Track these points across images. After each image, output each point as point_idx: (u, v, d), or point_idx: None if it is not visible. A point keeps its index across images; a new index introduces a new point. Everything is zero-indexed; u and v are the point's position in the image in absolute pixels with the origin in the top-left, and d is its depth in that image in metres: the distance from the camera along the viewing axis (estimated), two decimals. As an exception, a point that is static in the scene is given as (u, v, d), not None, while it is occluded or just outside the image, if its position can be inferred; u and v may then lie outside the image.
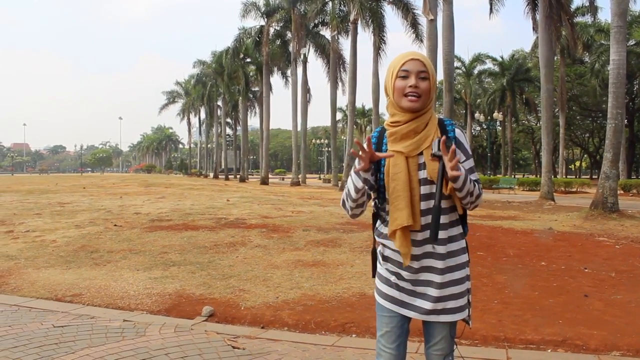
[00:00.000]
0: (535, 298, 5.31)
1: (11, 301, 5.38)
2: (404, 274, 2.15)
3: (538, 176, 46.70)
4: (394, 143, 2.13)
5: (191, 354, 3.88)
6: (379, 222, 2.27)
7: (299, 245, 8.26)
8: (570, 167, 75.87)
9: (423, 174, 2.10)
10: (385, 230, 2.20)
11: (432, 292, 2.11)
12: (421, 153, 2.10)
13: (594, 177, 52.85)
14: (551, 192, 21.28)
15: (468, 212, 2.23)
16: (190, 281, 6.02)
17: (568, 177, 47.17)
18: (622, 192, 26.05)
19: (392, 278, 2.18)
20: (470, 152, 2.18)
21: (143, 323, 4.66)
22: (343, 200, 2.25)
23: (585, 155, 71.57)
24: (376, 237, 2.28)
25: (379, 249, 2.28)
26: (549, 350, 3.95)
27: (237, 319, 4.80)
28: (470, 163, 2.15)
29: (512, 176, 52.31)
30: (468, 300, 2.21)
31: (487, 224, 11.50)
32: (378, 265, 2.29)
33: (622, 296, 5.40)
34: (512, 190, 33.12)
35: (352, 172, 2.13)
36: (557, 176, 40.10)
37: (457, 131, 2.16)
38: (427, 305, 2.12)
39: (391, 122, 2.16)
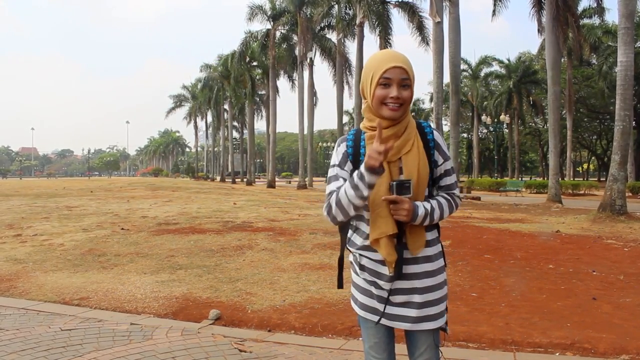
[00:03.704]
0: (543, 301, 5.28)
1: (19, 304, 5.40)
2: (382, 283, 2.07)
3: (545, 179, 46.58)
4: None
5: (198, 358, 3.88)
6: (350, 231, 2.20)
7: (306, 249, 8.26)
8: (577, 169, 75.51)
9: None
10: (360, 240, 2.14)
11: (414, 298, 2.06)
12: (401, 157, 2.06)
13: (601, 179, 52.59)
14: (558, 195, 21.19)
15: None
16: (197, 284, 6.03)
17: (575, 179, 47.01)
18: (630, 194, 25.93)
19: (372, 289, 2.11)
20: (449, 154, 2.18)
21: (150, 326, 4.67)
22: (329, 207, 2.09)
23: (592, 158, 71.24)
24: (349, 248, 2.21)
25: (352, 257, 2.21)
26: (557, 354, 3.93)
27: (244, 322, 4.81)
28: (448, 165, 2.16)
29: (519, 179, 52.18)
30: (445, 306, 2.14)
31: (494, 227, 11.46)
32: (355, 275, 2.21)
33: (630, 299, 5.36)
34: (519, 192, 33.04)
35: (357, 176, 1.95)
36: (565, 178, 39.97)
37: (435, 133, 2.14)
38: (412, 313, 2.06)
39: (369, 127, 2.10)
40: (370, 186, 1.94)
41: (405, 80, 2.02)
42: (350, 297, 2.25)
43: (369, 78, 2.05)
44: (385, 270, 2.06)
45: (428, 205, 2.05)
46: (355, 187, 1.96)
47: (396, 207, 1.99)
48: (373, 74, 2.03)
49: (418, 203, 2.03)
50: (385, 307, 2.09)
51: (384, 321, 2.10)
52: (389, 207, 2.01)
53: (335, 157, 2.17)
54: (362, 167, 1.93)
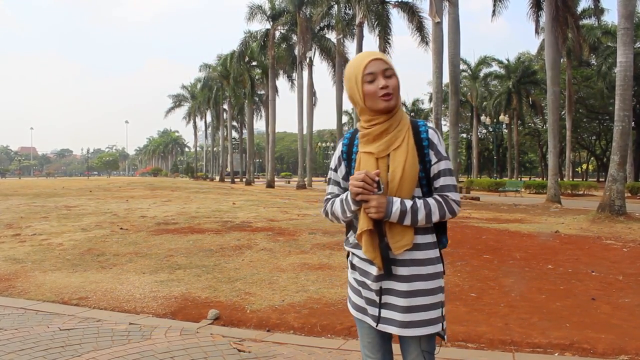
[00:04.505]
0: (542, 301, 5.28)
1: (18, 304, 5.39)
2: (369, 282, 2.06)
3: (544, 179, 46.61)
4: (365, 144, 2.08)
5: (197, 358, 3.88)
6: (351, 231, 2.20)
7: (305, 249, 8.25)
8: (577, 169, 75.56)
9: None
10: (352, 238, 2.16)
11: (400, 302, 2.01)
12: (390, 154, 2.04)
13: (600, 179, 52.63)
14: (558, 195, 21.20)
15: (449, 221, 2.14)
16: (196, 284, 6.02)
17: (575, 179, 47.02)
18: (629, 194, 25.93)
19: (361, 288, 2.12)
20: (445, 153, 2.11)
21: (149, 326, 4.67)
22: (326, 213, 2.23)
23: (592, 158, 71.28)
24: (345, 246, 2.23)
25: (349, 256, 2.22)
26: (556, 354, 3.92)
27: (242, 322, 4.80)
28: (443, 165, 2.08)
29: (519, 179, 52.20)
30: (442, 313, 2.08)
31: (494, 227, 11.47)
32: (349, 274, 2.22)
33: (629, 299, 5.36)
34: (519, 193, 33.05)
35: (344, 198, 2.09)
36: (564, 179, 39.99)
37: (430, 132, 2.08)
38: (396, 317, 2.02)
39: (367, 126, 2.09)
40: (354, 211, 2.07)
41: (387, 70, 2.04)
42: (347, 300, 2.26)
43: (353, 82, 2.07)
44: (373, 270, 2.05)
45: (409, 203, 1.99)
46: (343, 211, 2.11)
47: (365, 204, 2.00)
48: (356, 76, 2.05)
49: (395, 199, 1.99)
50: (371, 308, 2.08)
51: (371, 322, 2.09)
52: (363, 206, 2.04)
53: (332, 160, 2.26)
54: (349, 195, 2.05)
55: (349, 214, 2.08)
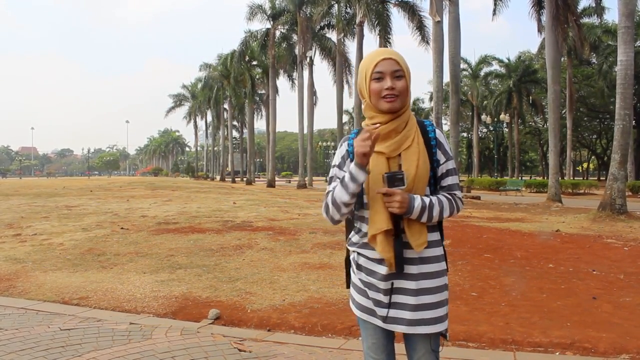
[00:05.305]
0: (543, 300, 5.27)
1: (18, 304, 5.40)
2: (376, 282, 2.06)
3: (545, 178, 46.59)
4: None
5: (198, 357, 3.87)
6: (353, 232, 2.19)
7: (306, 248, 8.25)
8: (577, 168, 75.51)
9: None
10: (357, 238, 2.15)
11: (410, 300, 2.02)
12: (400, 154, 2.05)
13: (601, 178, 52.58)
14: (558, 194, 21.17)
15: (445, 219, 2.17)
16: (196, 284, 6.02)
17: (575, 178, 47.01)
18: (630, 193, 25.93)
19: (367, 289, 2.10)
20: (451, 153, 2.15)
21: (149, 326, 4.66)
22: (327, 206, 2.11)
23: (592, 157, 71.25)
24: (348, 246, 2.21)
25: (352, 256, 2.20)
26: (557, 353, 3.92)
27: (243, 321, 4.80)
28: (450, 165, 2.13)
29: (519, 178, 52.15)
30: (447, 311, 2.10)
31: (494, 226, 11.46)
32: (353, 275, 2.20)
33: (630, 298, 5.35)
34: (519, 192, 33.02)
35: (344, 177, 2.02)
36: (565, 178, 39.96)
37: (437, 132, 2.13)
38: (406, 315, 2.02)
39: (370, 124, 2.09)
40: (358, 182, 1.97)
41: (397, 72, 2.04)
42: (349, 297, 2.25)
43: (363, 76, 2.09)
44: (380, 269, 2.05)
45: (427, 200, 2.03)
46: (345, 187, 2.01)
47: (389, 199, 1.99)
48: (366, 71, 2.07)
49: (415, 196, 2.01)
50: (379, 309, 2.07)
51: (379, 323, 2.08)
52: (384, 201, 2.01)
53: (336, 157, 2.22)
54: (352, 166, 1.98)
55: (351, 189, 1.99)
